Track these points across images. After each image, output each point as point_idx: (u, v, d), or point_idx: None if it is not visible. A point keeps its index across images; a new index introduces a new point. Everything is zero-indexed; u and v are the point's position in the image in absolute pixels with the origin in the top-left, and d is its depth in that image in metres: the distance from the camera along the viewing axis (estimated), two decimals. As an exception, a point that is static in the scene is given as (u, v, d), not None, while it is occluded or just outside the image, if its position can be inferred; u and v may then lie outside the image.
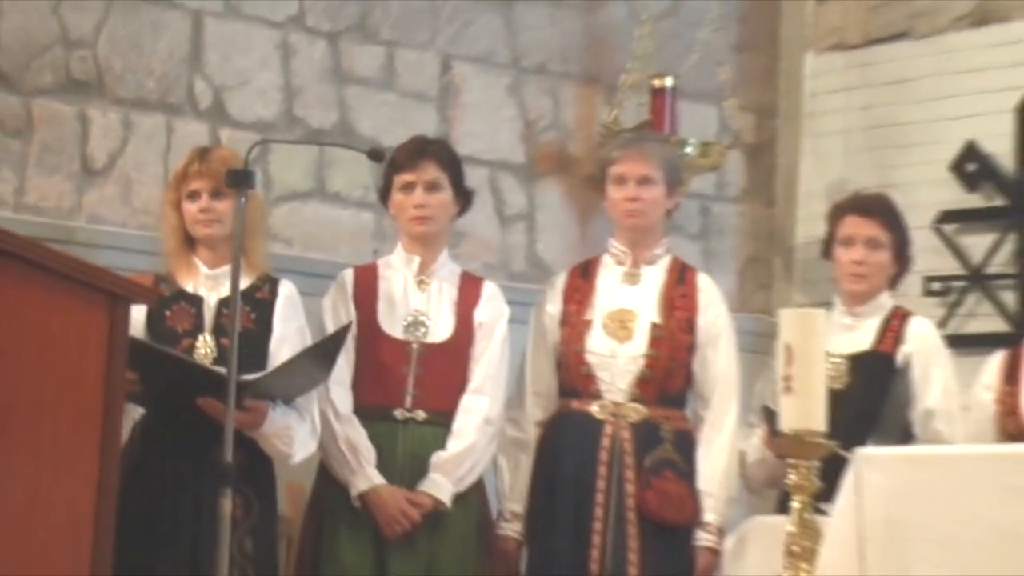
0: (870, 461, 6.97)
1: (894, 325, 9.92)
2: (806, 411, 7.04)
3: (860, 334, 9.84)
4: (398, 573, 9.68)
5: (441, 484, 9.69)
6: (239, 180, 8.72)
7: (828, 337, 9.05)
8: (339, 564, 9.72)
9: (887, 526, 6.86)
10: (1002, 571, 6.66)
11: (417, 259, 9.99)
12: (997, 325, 11.87)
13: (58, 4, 10.68)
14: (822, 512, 7.14)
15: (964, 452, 8.42)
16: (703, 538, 9.77)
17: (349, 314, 9.85)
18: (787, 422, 7.10)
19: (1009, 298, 12.02)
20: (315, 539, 9.83)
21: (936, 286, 12.14)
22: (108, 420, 7.69)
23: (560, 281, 10.26)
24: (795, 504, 7.08)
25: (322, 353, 9.47)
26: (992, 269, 12.25)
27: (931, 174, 12.45)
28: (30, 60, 10.64)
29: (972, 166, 12.44)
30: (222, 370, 8.56)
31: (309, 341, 9.66)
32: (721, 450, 9.90)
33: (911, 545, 6.77)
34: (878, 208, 10.05)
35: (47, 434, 7.45)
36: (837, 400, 8.92)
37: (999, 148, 12.35)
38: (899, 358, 9.83)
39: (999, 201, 12.32)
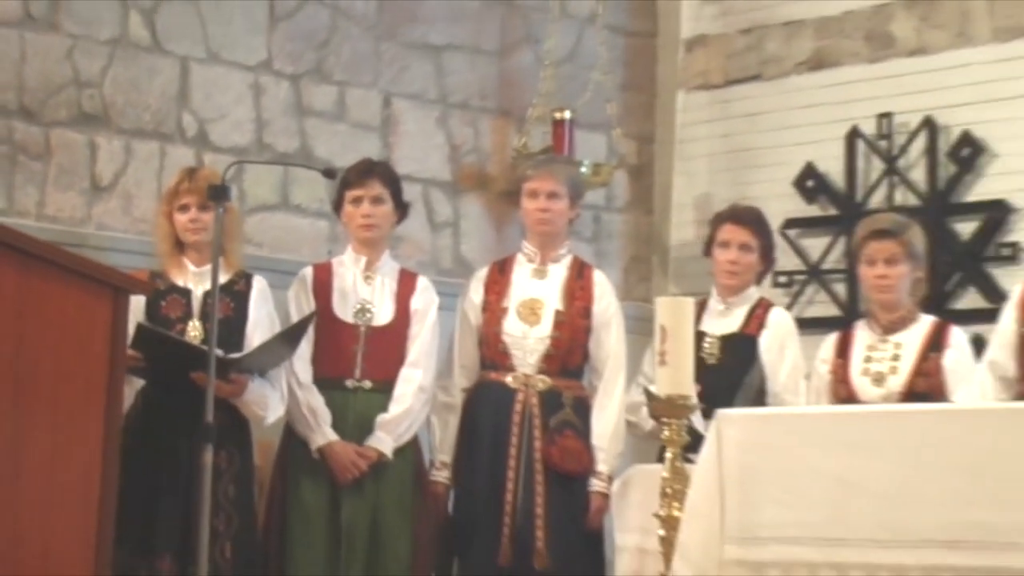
0: (729, 419, 6.94)
1: (758, 313, 9.99)
2: (677, 380, 7.16)
3: (731, 319, 9.91)
4: (349, 513, 9.67)
5: (384, 440, 9.72)
6: (219, 195, 8.77)
7: (705, 322, 9.67)
8: (302, 505, 9.71)
9: (742, 472, 6.82)
10: (833, 508, 6.58)
11: (364, 259, 9.99)
12: (831, 311, 11.93)
13: (71, 51, 10.61)
14: (690, 461, 7.03)
15: (804, 412, 8.48)
16: (596, 484, 9.78)
17: (310, 304, 9.86)
18: (661, 388, 7.24)
19: (840, 289, 12.05)
20: (282, 485, 9.83)
21: (782, 279, 12.16)
22: (112, 389, 7.73)
23: (481, 275, 10.28)
24: (668, 455, 7.14)
25: (290, 336, 9.57)
26: (827, 266, 12.23)
27: (778, 189, 12.42)
28: (48, 97, 10.54)
29: (810, 183, 12.46)
30: (212, 348, 8.51)
31: (277, 325, 9.75)
32: (612, 413, 9.92)
33: (761, 488, 6.74)
34: (750, 218, 10.15)
35: (63, 400, 7.46)
36: (712, 372, 9.11)
37: (832, 168, 12.38)
38: (760, 339, 9.78)
39: (832, 211, 12.32)
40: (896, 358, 9.39)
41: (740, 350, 9.79)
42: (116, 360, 7.73)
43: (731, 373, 9.57)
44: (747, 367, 9.69)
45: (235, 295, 9.56)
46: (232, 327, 9.46)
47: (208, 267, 8.91)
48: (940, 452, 6.46)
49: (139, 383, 9.24)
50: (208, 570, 8.15)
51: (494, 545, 9.71)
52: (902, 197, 12.02)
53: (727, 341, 9.80)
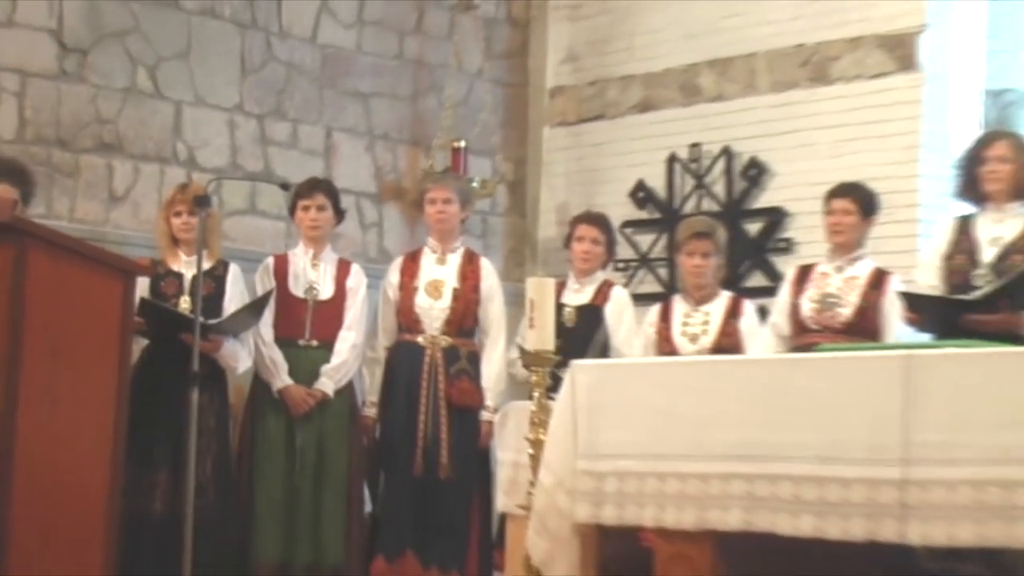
0: (580, 368, 6.88)
1: (604, 290, 10.08)
2: (542, 339, 7.09)
3: (583, 295, 9.99)
4: (301, 438, 9.82)
5: (327, 384, 9.85)
6: (202, 203, 8.80)
7: (564, 296, 9.81)
8: (265, 432, 9.82)
9: (589, 407, 6.76)
10: (655, 432, 6.55)
11: (311, 251, 10.08)
12: (656, 288, 11.94)
13: (94, 97, 10.71)
14: (552, 399, 7.00)
15: (637, 362, 8.43)
16: (485, 415, 9.90)
17: (271, 284, 9.92)
18: (530, 345, 7.17)
19: (663, 272, 12.07)
20: (251, 418, 9.93)
21: (621, 265, 12.10)
22: (123, 346, 7.79)
23: (398, 263, 10.32)
24: (536, 394, 7.05)
25: (256, 308, 9.66)
26: (653, 255, 12.21)
27: (617, 199, 12.42)
28: (77, 131, 10.64)
29: (641, 194, 12.46)
30: (197, 316, 8.57)
31: (247, 300, 9.73)
32: (496, 363, 10.04)
33: (603, 418, 6.70)
34: (598, 220, 10.29)
35: (87, 354, 7.55)
36: (569, 333, 9.07)
37: (656, 184, 12.42)
38: (610, 310, 9.81)
39: (657, 215, 12.32)
40: (706, 323, 9.51)
41: (590, 317, 9.82)
42: (126, 325, 7.76)
43: (583, 334, 9.54)
44: (595, 329, 9.69)
45: (215, 278, 9.62)
46: (213, 301, 9.49)
47: (195, 257, 8.89)
48: (734, 390, 6.45)
49: (143, 342, 9.28)
50: (194, 480, 8.11)
51: (410, 462, 9.77)
52: (707, 205, 12.04)
53: (580, 310, 9.84)
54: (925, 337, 8.46)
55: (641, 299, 10.82)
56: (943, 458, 5.77)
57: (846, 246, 9.24)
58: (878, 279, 9.17)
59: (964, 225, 8.97)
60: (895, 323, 8.91)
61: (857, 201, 9.28)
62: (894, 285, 9.05)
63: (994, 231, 8.82)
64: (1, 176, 8.99)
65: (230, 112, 11.58)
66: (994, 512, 5.64)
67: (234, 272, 9.83)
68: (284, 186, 9.97)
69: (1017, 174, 8.80)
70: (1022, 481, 5.58)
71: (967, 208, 9.06)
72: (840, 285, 9.18)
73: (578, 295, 9.90)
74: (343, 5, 12.23)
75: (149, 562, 8.74)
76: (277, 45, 11.88)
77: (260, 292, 9.82)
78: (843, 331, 8.94)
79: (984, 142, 9.16)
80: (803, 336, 9.03)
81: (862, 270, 9.21)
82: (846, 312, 9.07)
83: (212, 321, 9.28)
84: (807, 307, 9.19)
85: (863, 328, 8.97)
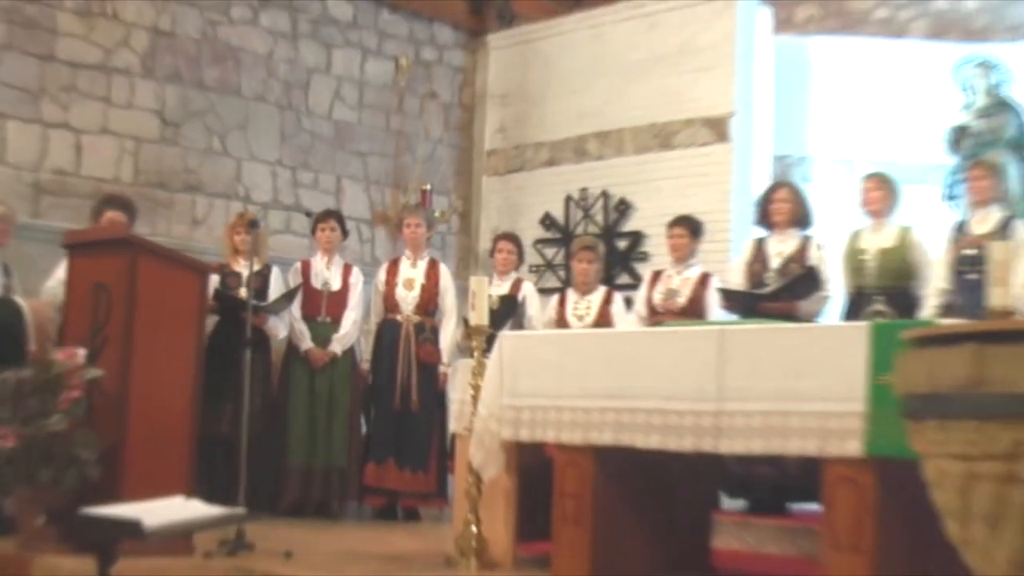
0: (505, 336, 6.93)
1: (518, 284, 9.91)
2: (479, 317, 7.08)
3: (503, 288, 9.83)
4: (319, 383, 9.73)
5: (336, 347, 9.78)
6: (254, 226, 8.51)
7: (492, 288, 9.26)
8: (295, 379, 9.76)
9: (512, 363, 6.80)
10: (555, 381, 6.60)
11: (326, 258, 9.96)
12: (556, 284, 11.80)
13: (183, 155, 10.82)
14: (486, 356, 7.01)
15: (543, 333, 8.38)
16: (442, 368, 9.80)
17: (299, 280, 9.82)
18: (472, 321, 7.14)
19: (561, 273, 12.00)
20: (285, 369, 9.85)
21: (534, 269, 12.02)
22: (200, 321, 7.64)
23: (384, 267, 10.16)
24: (475, 354, 7.04)
25: (289, 296, 9.63)
26: (555, 262, 12.17)
27: (532, 224, 12.39)
28: (171, 178, 10.73)
29: (547, 222, 12.44)
30: (251, 301, 8.27)
31: (283, 291, 9.70)
32: (449, 333, 9.93)
33: (520, 370, 6.73)
34: (512, 238, 10.21)
35: (177, 327, 7.37)
36: (497, 313, 8.94)
37: (558, 215, 12.37)
38: (520, 298, 9.75)
39: (558, 236, 12.24)
40: (588, 307, 9.46)
41: (510, 303, 9.71)
42: (202, 306, 7.65)
43: (506, 314, 9.46)
44: (512, 312, 9.62)
45: (263, 276, 9.55)
46: (261, 292, 9.45)
47: (249, 262, 8.57)
48: (606, 352, 6.48)
49: (215, 319, 9.22)
50: (247, 410, 7.92)
51: (391, 399, 9.68)
52: (591, 229, 12.02)
53: (503, 299, 9.68)
54: (734, 318, 8.51)
55: (546, 291, 10.79)
56: (743, 397, 5.83)
57: (682, 258, 9.28)
58: (704, 279, 9.17)
59: (760, 244, 9.05)
60: (715, 309, 8.95)
61: (688, 228, 9.31)
62: (714, 283, 9.08)
63: (779, 248, 8.91)
64: (116, 207, 9.03)
65: (272, 165, 11.59)
66: (776, 432, 5.71)
67: (275, 272, 9.78)
68: (308, 214, 10.02)
69: (794, 210, 8.91)
70: (793, 411, 5.65)
71: (762, 232, 9.15)
72: (679, 283, 9.19)
73: (499, 288, 9.78)
74: (349, 94, 12.24)
75: (218, 465, 8.73)
76: (305, 120, 11.89)
77: (292, 285, 9.75)
78: (681, 314, 8.92)
79: (772, 188, 9.28)
80: (655, 317, 9.02)
81: (693, 273, 9.22)
82: (682, 301, 9.08)
83: (261, 304, 9.25)
84: (657, 298, 9.19)
85: (694, 312, 8.96)
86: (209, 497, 5.27)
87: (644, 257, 11.60)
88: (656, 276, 9.46)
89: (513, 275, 10.05)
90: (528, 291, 9.98)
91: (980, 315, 6.78)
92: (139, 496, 5.02)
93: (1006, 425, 3.15)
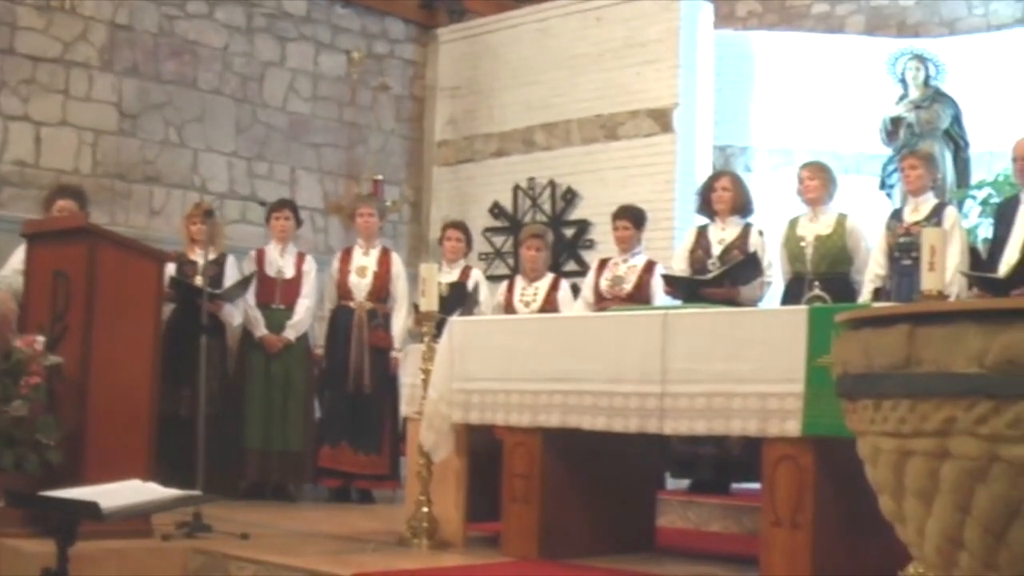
0: (455, 322, 6.96)
1: (467, 271, 9.89)
2: (429, 303, 7.07)
3: (453, 274, 9.80)
4: (274, 367, 9.69)
5: (290, 333, 9.75)
6: (210, 215, 8.67)
7: (442, 276, 9.27)
8: (251, 364, 9.73)
9: (462, 347, 6.83)
10: (503, 363, 6.64)
11: (280, 246, 9.90)
12: (505, 271, 11.79)
13: (141, 147, 10.58)
14: (436, 341, 7.00)
15: (492, 318, 8.31)
16: (394, 352, 9.73)
17: (253, 268, 9.77)
18: (423, 308, 7.11)
19: (510, 260, 12.01)
20: (242, 354, 9.81)
21: (483, 257, 11.99)
22: (157, 307, 7.52)
23: (338, 255, 10.14)
24: (426, 339, 7.03)
25: (244, 284, 9.57)
26: (504, 250, 12.21)
27: (481, 214, 12.43)
28: (129, 169, 10.63)
29: (496, 211, 12.45)
30: (206, 289, 8.37)
31: (239, 279, 9.64)
32: (400, 319, 9.88)
33: (470, 354, 6.75)
34: (460, 226, 10.12)
35: (134, 315, 7.26)
36: (447, 300, 8.96)
37: (506, 204, 12.38)
38: (470, 284, 9.73)
39: (507, 224, 12.25)
40: (536, 293, 9.46)
41: (459, 289, 9.67)
42: (160, 294, 7.54)
43: (456, 300, 9.40)
44: (463, 298, 9.59)
45: (218, 265, 9.51)
46: (216, 280, 9.41)
47: (205, 250, 8.68)
48: (553, 336, 6.49)
49: (171, 306, 9.15)
50: (205, 394, 7.99)
51: (345, 383, 9.65)
52: (539, 218, 12.02)
53: (452, 286, 9.64)
54: (677, 302, 8.54)
55: (495, 279, 10.79)
56: (687, 379, 5.86)
57: (627, 248, 9.28)
58: (649, 267, 9.17)
59: (702, 231, 9.09)
60: (659, 294, 8.99)
61: (632, 219, 9.31)
62: (658, 270, 9.11)
63: (720, 235, 8.96)
64: (67, 196, 8.93)
65: (229, 156, 11.56)
66: (718, 412, 5.74)
67: (230, 260, 9.73)
68: (262, 204, 9.98)
69: (735, 199, 8.94)
70: (734, 393, 5.67)
71: (704, 220, 9.18)
72: (625, 270, 9.19)
73: (448, 275, 9.74)
74: (303, 86, 12.20)
75: (177, 447, 8.67)
76: (260, 112, 11.85)
77: (247, 274, 9.70)
78: (627, 300, 8.92)
79: (714, 178, 9.32)
80: (602, 303, 9.03)
81: (639, 261, 9.22)
82: (629, 288, 9.08)
83: (216, 292, 9.23)
84: (604, 284, 9.19)
85: (640, 298, 8.96)
86: (169, 480, 5.27)
87: (590, 245, 11.62)
88: (603, 264, 9.47)
89: (462, 262, 10.02)
90: (477, 278, 9.95)
91: (915, 299, 6.83)
92: (101, 479, 5.01)
93: (938, 403, 3.16)
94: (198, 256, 9.26)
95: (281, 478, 9.73)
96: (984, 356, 3.08)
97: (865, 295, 8.49)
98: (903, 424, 3.25)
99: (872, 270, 8.58)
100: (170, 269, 8.79)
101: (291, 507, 9.31)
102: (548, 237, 9.91)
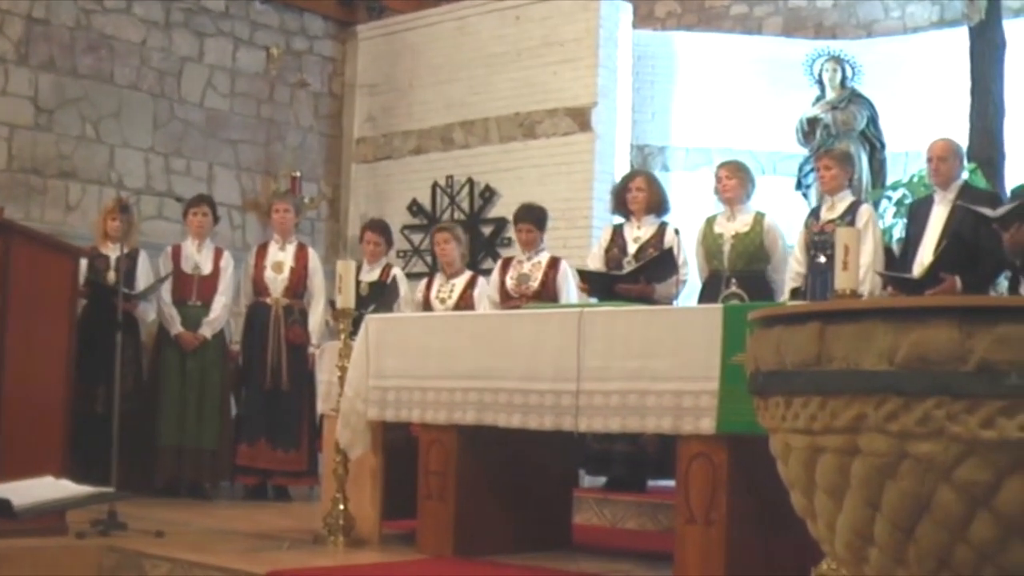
0: (372, 319, 6.93)
1: (387, 270, 9.80)
2: (346, 300, 7.05)
3: (374, 273, 9.71)
4: (190, 365, 9.65)
5: (207, 330, 9.71)
6: (126, 210, 8.66)
7: (362, 274, 9.42)
8: (166, 361, 9.68)
9: (377, 344, 6.81)
10: (419, 360, 6.63)
11: (197, 242, 9.83)
12: (423, 268, 11.68)
13: (57, 142, 10.56)
14: (353, 338, 6.97)
15: (408, 315, 8.23)
16: (310, 350, 9.63)
17: (170, 265, 9.71)
18: (339, 304, 7.11)
19: (428, 259, 11.88)
20: (157, 352, 9.78)
21: (402, 254, 11.97)
22: (72, 303, 7.46)
23: (254, 250, 10.09)
24: (342, 336, 7.01)
25: (160, 282, 9.49)
26: (422, 247, 12.12)
27: (400, 211, 12.32)
28: (45, 164, 10.41)
29: (415, 208, 12.34)
30: (120, 286, 8.30)
31: (152, 276, 9.61)
32: (317, 316, 9.88)
33: (386, 351, 6.73)
34: (378, 227, 9.95)
35: (48, 311, 7.24)
36: (366, 298, 9.02)
37: (425, 201, 12.30)
38: (389, 280, 9.66)
39: (425, 222, 12.18)
40: (452, 290, 9.39)
41: (379, 288, 9.55)
42: (75, 289, 7.50)
43: (376, 298, 9.26)
44: (383, 295, 9.46)
45: (131, 260, 9.37)
46: (129, 275, 9.27)
47: (119, 245, 8.56)
48: (469, 334, 6.50)
49: (84, 301, 8.98)
50: (119, 391, 7.94)
51: (262, 380, 9.61)
52: (457, 216, 11.96)
53: (372, 284, 9.58)
54: (593, 300, 8.56)
55: (414, 276, 10.73)
56: (601, 376, 5.87)
57: (531, 247, 9.23)
58: (553, 263, 9.15)
59: (618, 230, 9.12)
60: (566, 290, 9.01)
61: (534, 222, 9.27)
62: (563, 267, 9.11)
63: (636, 234, 8.99)
64: None
65: (145, 152, 11.41)
66: (632, 410, 5.76)
67: (143, 256, 9.65)
68: (179, 200, 9.96)
69: (648, 199, 8.97)
70: (649, 390, 5.70)
71: (620, 219, 9.20)
72: (530, 268, 9.15)
73: (369, 274, 9.67)
74: (221, 82, 12.08)
75: (92, 445, 8.56)
76: (177, 108, 11.72)
77: (162, 270, 9.64)
78: (534, 297, 8.92)
79: (629, 177, 9.37)
80: (509, 302, 9.04)
81: (543, 258, 9.17)
82: (535, 285, 9.06)
83: (133, 292, 9.17)
84: (510, 283, 9.18)
85: (547, 295, 8.95)
86: (84, 477, 5.22)
87: (508, 243, 11.57)
88: (506, 263, 9.47)
89: (383, 260, 9.97)
90: (397, 276, 9.90)
91: (828, 297, 6.87)
92: (14, 477, 4.95)
93: (848, 400, 3.19)
94: (111, 251, 9.21)
95: (197, 475, 9.66)
96: (894, 354, 3.10)
97: (785, 293, 8.54)
98: (814, 421, 3.27)
99: (792, 268, 8.64)
100: (84, 265, 8.68)
101: (207, 505, 9.24)
102: (458, 231, 9.82)
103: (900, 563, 3.23)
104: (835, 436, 3.21)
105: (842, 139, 10.99)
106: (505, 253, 11.22)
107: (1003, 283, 7.91)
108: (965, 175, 8.58)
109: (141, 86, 11.46)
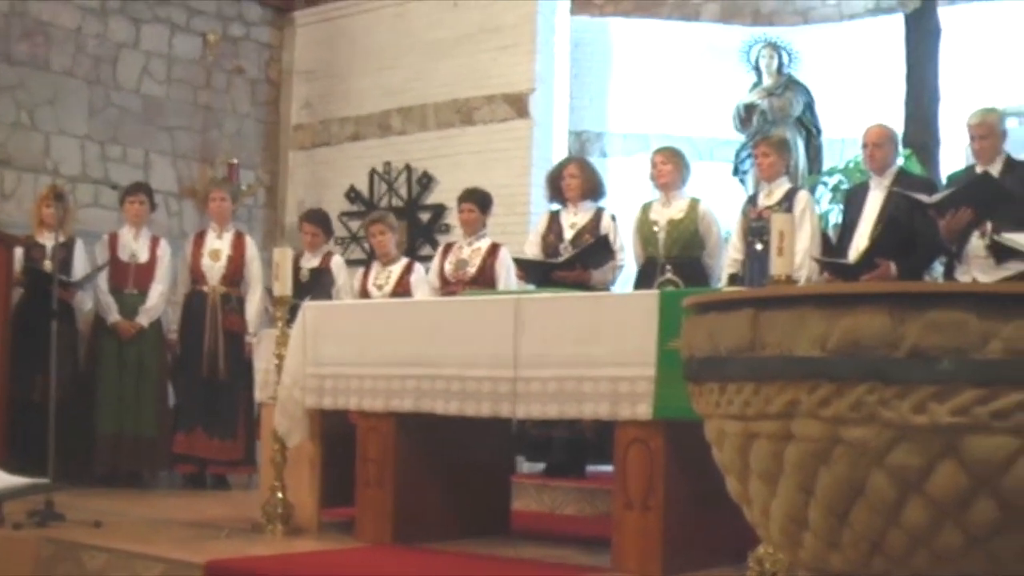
0: (310, 306, 6.87)
1: (327, 257, 9.78)
2: (283, 288, 6.98)
3: (314, 261, 9.69)
4: (127, 353, 9.56)
5: (143, 318, 9.64)
6: (60, 197, 8.48)
7: (303, 261, 9.53)
8: (104, 350, 9.58)
9: (315, 331, 6.76)
10: (358, 346, 6.59)
11: (133, 230, 9.74)
12: (361, 255, 11.67)
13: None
14: (290, 326, 6.95)
15: (345, 303, 8.18)
16: (248, 338, 9.56)
17: (107, 254, 9.63)
18: (276, 292, 7.03)
19: (366, 246, 11.73)
20: (94, 340, 9.65)
21: (339, 240, 11.90)
22: (6, 297, 7.42)
23: (191, 238, 10.03)
24: (279, 323, 6.98)
25: (96, 271, 9.42)
26: (360, 235, 12.02)
27: (337, 198, 12.33)
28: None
29: (353, 195, 12.31)
30: (56, 274, 8.17)
31: (90, 266, 9.52)
32: (254, 303, 9.80)
33: (324, 339, 6.69)
34: (314, 218, 9.95)
35: None
36: (305, 285, 9.04)
37: (363, 188, 12.29)
38: (332, 267, 9.71)
39: (363, 209, 12.11)
40: (388, 277, 9.37)
41: (319, 275, 9.53)
42: (10, 278, 7.49)
43: (316, 285, 9.29)
44: (323, 282, 9.47)
45: (67, 249, 9.29)
46: (65, 264, 9.20)
47: (54, 233, 8.41)
48: (407, 320, 6.48)
49: (20, 290, 8.98)
50: (56, 379, 7.81)
51: (200, 368, 9.55)
52: (395, 202, 11.95)
53: (313, 270, 9.54)
54: (530, 287, 8.56)
55: (352, 263, 10.71)
56: (539, 363, 5.86)
57: (472, 231, 9.24)
58: (493, 249, 9.18)
59: (554, 216, 9.11)
60: (505, 277, 9.03)
61: (476, 203, 9.29)
62: (503, 253, 9.14)
63: (572, 220, 8.99)
64: None
65: (82, 139, 11.31)
66: (570, 396, 5.76)
67: (79, 245, 9.55)
68: (114, 187, 9.91)
69: (583, 185, 8.97)
70: (586, 376, 5.70)
71: (556, 206, 9.21)
72: (469, 254, 9.18)
73: (310, 261, 9.65)
74: (158, 69, 11.99)
75: (30, 431, 8.48)
76: (113, 95, 11.62)
77: (99, 258, 9.56)
78: (471, 283, 8.95)
79: (563, 164, 9.38)
80: (447, 287, 9.06)
81: (484, 244, 9.21)
82: (472, 271, 9.07)
83: (69, 281, 9.13)
84: (448, 268, 9.22)
85: (483, 281, 8.98)
86: (22, 467, 5.19)
87: (446, 229, 11.58)
88: (448, 248, 9.50)
89: (322, 249, 9.92)
90: (337, 264, 9.86)
91: (765, 283, 6.89)
92: (-48, 468, 4.91)
93: (781, 386, 3.20)
94: (47, 239, 9.11)
95: (135, 465, 9.62)
96: (826, 340, 3.11)
97: (722, 280, 8.57)
98: (748, 407, 3.28)
99: (729, 255, 8.66)
100: (19, 254, 8.65)
101: (145, 494, 9.18)
102: (390, 220, 9.78)
103: (834, 547, 3.25)
104: (769, 422, 3.23)
105: (779, 125, 11.05)
106: (443, 239, 11.21)
107: (938, 269, 7.96)
108: (900, 161, 8.63)
109: (77, 73, 11.35)
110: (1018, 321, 2.98)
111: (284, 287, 6.97)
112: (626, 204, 9.47)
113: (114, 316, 9.52)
